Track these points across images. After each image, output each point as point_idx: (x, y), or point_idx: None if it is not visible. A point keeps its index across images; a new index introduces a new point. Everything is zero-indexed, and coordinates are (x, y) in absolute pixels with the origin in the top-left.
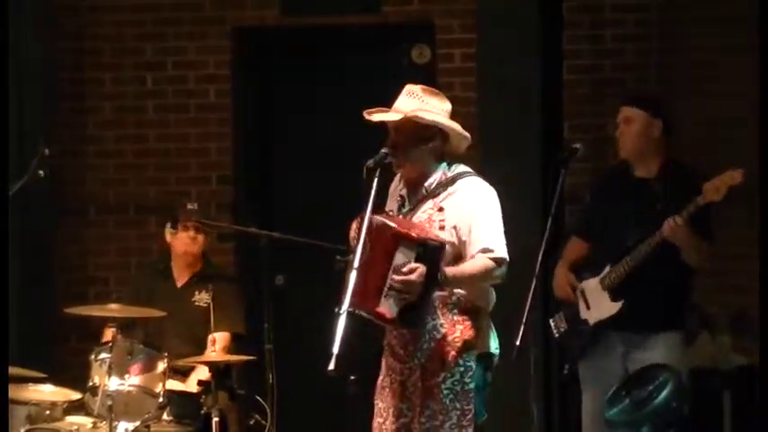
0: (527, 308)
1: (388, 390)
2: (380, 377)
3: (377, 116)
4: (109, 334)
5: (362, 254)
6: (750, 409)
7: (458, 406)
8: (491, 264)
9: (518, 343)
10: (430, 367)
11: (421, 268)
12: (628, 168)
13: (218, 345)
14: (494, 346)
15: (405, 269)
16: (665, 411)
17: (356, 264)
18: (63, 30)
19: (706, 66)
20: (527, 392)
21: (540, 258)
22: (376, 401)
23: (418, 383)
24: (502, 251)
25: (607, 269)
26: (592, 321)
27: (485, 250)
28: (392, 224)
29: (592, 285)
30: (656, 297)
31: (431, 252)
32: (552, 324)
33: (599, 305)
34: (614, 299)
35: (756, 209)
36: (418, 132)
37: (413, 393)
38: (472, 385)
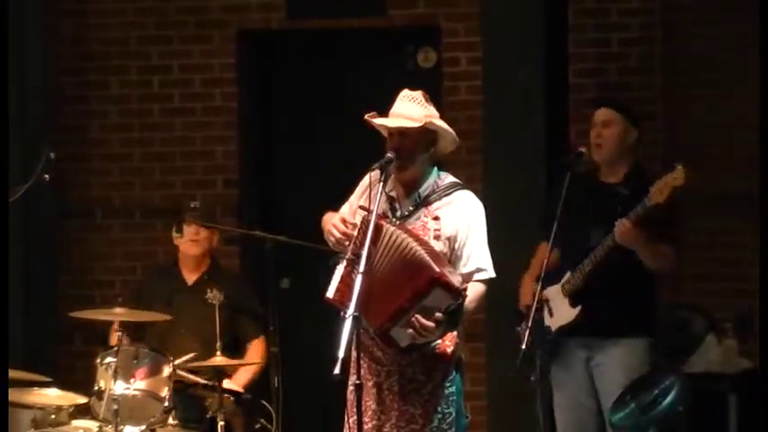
0: (532, 312)
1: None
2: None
3: (394, 122)
4: (116, 338)
5: (369, 259)
6: (756, 413)
7: (438, 410)
8: (483, 291)
9: (523, 347)
10: (409, 373)
11: (445, 322)
12: (594, 173)
13: (255, 352)
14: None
15: (435, 316)
16: (671, 415)
17: (362, 268)
18: (68, 34)
19: (711, 69)
20: (533, 397)
21: (545, 262)
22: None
23: (394, 387)
24: (492, 271)
25: (567, 275)
26: (554, 328)
27: (479, 269)
28: (434, 266)
29: (554, 292)
30: (616, 302)
31: (461, 304)
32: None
33: (560, 312)
34: (573, 305)
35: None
36: (425, 138)
37: (387, 396)
38: (452, 389)
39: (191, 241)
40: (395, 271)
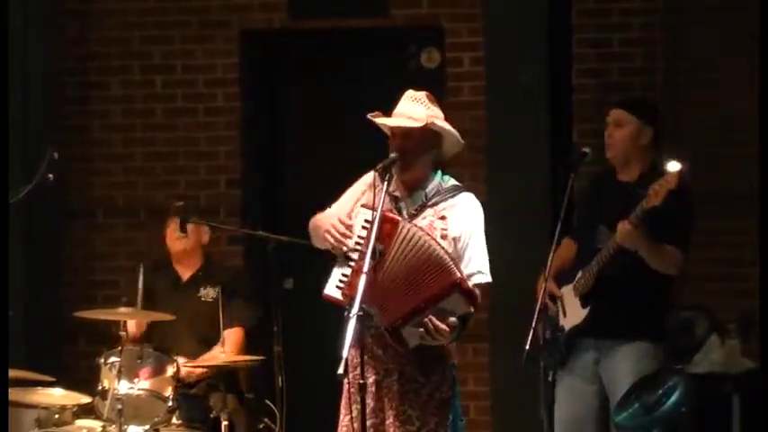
0: (536, 313)
1: (353, 388)
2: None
3: (395, 121)
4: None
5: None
6: (760, 413)
7: (436, 413)
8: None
9: (527, 348)
10: (408, 372)
11: (458, 326)
12: (613, 172)
13: (229, 341)
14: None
15: (449, 320)
16: (675, 416)
17: (366, 267)
18: (69, 34)
19: (711, 69)
20: (536, 398)
21: (549, 263)
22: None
23: (393, 386)
24: (489, 275)
25: (579, 275)
26: (567, 328)
27: (479, 272)
28: (456, 270)
29: (567, 291)
30: (626, 304)
31: (474, 313)
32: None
33: (572, 311)
34: (584, 305)
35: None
36: (427, 139)
37: (386, 395)
38: (450, 393)
39: (176, 239)
40: (413, 269)
